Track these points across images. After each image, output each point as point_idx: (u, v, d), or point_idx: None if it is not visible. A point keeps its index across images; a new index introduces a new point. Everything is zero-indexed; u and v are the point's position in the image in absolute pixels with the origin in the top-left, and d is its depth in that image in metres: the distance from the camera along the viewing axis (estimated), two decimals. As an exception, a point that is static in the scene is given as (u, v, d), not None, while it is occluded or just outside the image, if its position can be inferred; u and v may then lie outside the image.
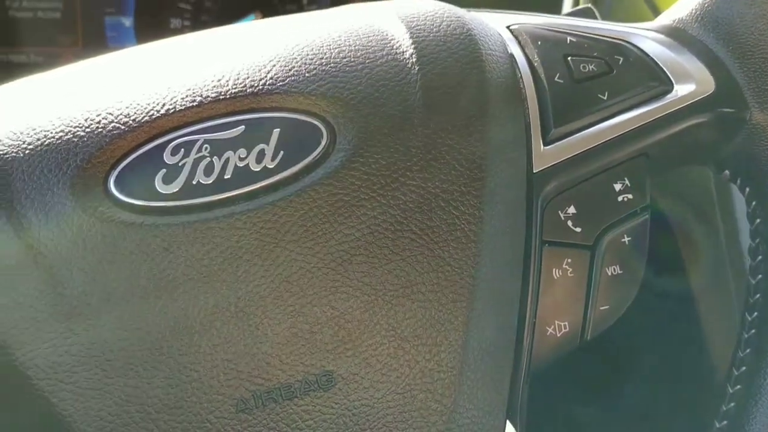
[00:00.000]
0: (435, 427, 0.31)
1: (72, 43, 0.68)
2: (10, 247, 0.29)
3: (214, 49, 0.34)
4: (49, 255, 0.29)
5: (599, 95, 0.35)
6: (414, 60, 0.33)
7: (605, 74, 0.35)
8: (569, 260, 0.34)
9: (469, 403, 0.32)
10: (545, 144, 0.34)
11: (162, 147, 0.30)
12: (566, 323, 0.34)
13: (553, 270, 0.34)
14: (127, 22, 0.69)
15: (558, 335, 0.34)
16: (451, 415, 0.31)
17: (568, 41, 0.36)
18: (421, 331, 0.31)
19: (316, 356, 0.30)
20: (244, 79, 0.32)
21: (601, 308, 0.34)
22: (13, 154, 0.30)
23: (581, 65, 0.35)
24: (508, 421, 0.33)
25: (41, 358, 0.29)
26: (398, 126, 0.32)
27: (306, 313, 0.30)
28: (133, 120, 0.31)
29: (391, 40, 0.33)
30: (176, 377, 0.30)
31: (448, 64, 0.33)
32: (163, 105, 0.31)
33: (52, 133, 0.31)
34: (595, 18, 0.41)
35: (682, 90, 0.36)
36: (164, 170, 0.30)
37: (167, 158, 0.30)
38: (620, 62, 0.36)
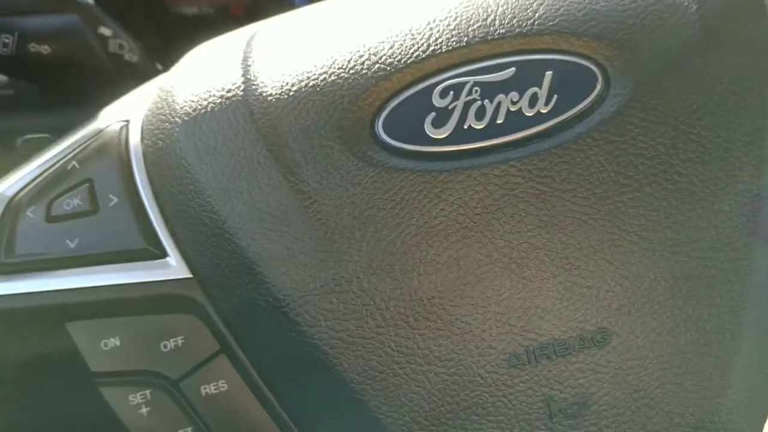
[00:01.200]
0: (710, 390, 0.29)
1: (242, -5, 0.68)
2: (280, 192, 0.29)
3: None
4: (319, 200, 0.29)
5: None
6: None
7: None
8: None
9: (745, 367, 0.30)
10: None
11: (430, 89, 0.29)
12: None
13: None
14: (297, -28, 0.68)
15: None
16: (727, 378, 0.30)
17: None
18: (699, 290, 0.29)
19: (591, 312, 0.29)
20: (511, 19, 0.30)
21: None
22: (279, 96, 0.29)
23: None
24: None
25: (311, 305, 0.29)
26: (676, 70, 0.29)
27: (582, 267, 0.29)
28: (398, 61, 0.29)
29: None
30: (447, 329, 0.29)
31: (727, 2, 0.30)
32: (428, 46, 0.29)
33: (316, 75, 0.30)
34: None
35: None
36: (434, 113, 0.29)
37: (436, 101, 0.29)
38: None
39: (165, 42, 0.61)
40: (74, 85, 0.44)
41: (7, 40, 0.40)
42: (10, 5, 0.41)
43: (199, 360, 0.30)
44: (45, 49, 0.41)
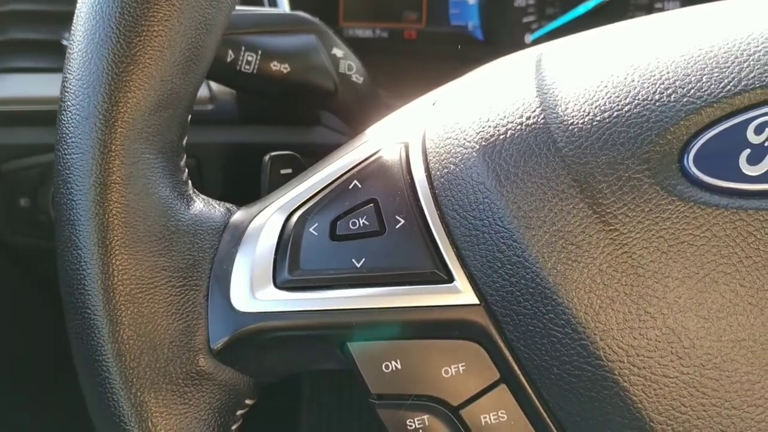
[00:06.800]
0: None
1: (416, 20, 0.69)
2: (585, 222, 0.28)
3: (752, 22, 0.32)
4: (626, 232, 0.28)
5: None
6: None
7: None
8: None
9: None
10: None
11: (744, 125, 0.28)
12: None
13: None
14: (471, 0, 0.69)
15: None
16: None
17: None
18: None
19: None
20: None
21: None
22: (582, 126, 0.29)
23: None
24: None
25: (613, 339, 0.28)
26: None
27: None
28: (708, 95, 0.29)
29: None
30: (757, 373, 0.27)
31: None
32: (739, 81, 0.29)
33: (620, 105, 0.29)
34: None
35: None
36: (749, 150, 0.28)
37: (751, 137, 0.28)
38: None
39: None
40: (302, 102, 0.45)
41: (250, 58, 0.41)
42: (256, 25, 0.42)
43: (481, 388, 0.30)
44: (285, 67, 0.42)
